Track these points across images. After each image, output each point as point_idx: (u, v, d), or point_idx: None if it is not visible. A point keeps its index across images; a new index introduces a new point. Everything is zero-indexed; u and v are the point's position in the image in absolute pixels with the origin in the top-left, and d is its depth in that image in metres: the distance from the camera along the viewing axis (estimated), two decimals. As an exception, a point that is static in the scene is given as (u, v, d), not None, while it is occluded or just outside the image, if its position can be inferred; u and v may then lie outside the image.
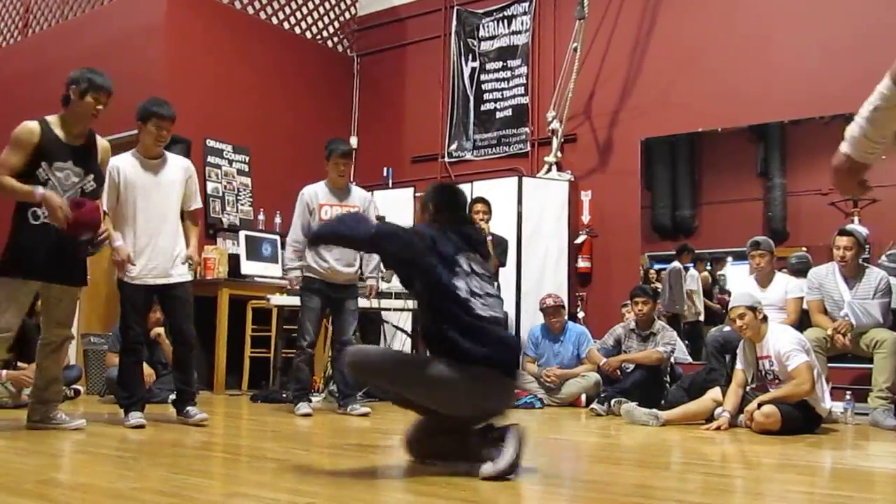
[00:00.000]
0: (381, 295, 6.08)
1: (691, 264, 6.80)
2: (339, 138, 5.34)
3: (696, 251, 6.84)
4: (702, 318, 6.73)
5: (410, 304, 6.14)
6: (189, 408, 4.15)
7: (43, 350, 3.82)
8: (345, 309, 5.01)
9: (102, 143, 3.90)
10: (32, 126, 3.64)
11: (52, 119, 3.72)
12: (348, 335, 4.98)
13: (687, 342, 6.47)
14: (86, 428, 3.69)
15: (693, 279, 6.82)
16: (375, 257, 4.98)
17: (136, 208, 4.07)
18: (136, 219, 4.07)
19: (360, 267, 5.15)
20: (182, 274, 4.18)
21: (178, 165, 4.26)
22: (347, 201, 5.03)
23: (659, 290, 6.61)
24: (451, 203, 3.08)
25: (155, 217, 4.10)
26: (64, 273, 3.72)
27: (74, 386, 5.61)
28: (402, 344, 6.53)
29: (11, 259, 3.63)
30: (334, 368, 5.42)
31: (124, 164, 4.11)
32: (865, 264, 5.22)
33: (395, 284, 6.15)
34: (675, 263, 6.80)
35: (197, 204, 4.34)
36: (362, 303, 6.10)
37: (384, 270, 5.27)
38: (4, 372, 4.88)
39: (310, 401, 4.94)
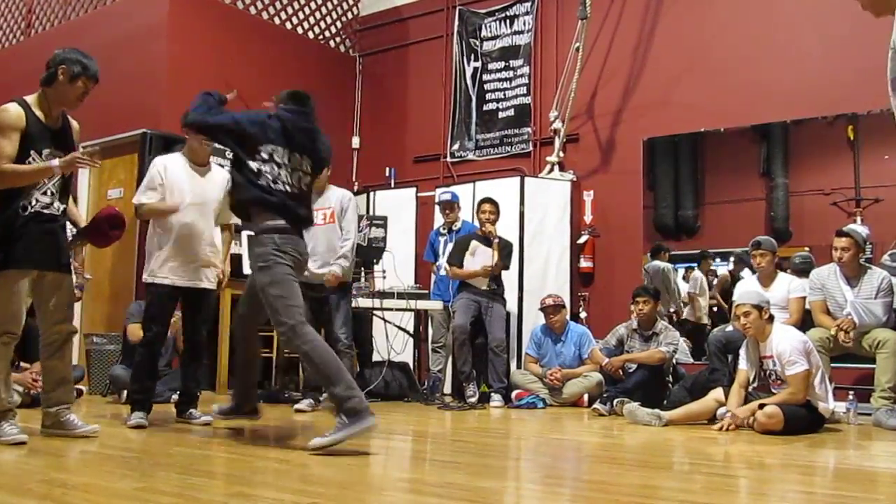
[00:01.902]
0: (382, 295, 6.09)
1: (670, 263, 6.79)
2: None
3: (709, 251, 6.81)
4: (705, 320, 6.70)
5: (412, 304, 6.15)
6: (192, 410, 4.21)
7: (45, 351, 3.53)
8: (329, 307, 5.16)
9: (74, 123, 3.58)
10: (17, 109, 3.27)
11: (31, 100, 3.36)
12: (336, 333, 5.15)
13: (686, 339, 6.45)
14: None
15: (696, 281, 6.78)
16: (346, 246, 5.16)
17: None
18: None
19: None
20: (211, 282, 4.25)
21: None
22: (324, 202, 5.18)
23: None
24: (295, 99, 3.59)
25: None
26: (54, 260, 3.43)
27: (77, 386, 5.58)
28: (405, 344, 6.53)
29: (6, 252, 3.28)
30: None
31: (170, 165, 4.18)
32: (867, 265, 5.21)
33: (395, 284, 6.17)
34: (658, 262, 6.76)
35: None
36: (365, 302, 6.11)
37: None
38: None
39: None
